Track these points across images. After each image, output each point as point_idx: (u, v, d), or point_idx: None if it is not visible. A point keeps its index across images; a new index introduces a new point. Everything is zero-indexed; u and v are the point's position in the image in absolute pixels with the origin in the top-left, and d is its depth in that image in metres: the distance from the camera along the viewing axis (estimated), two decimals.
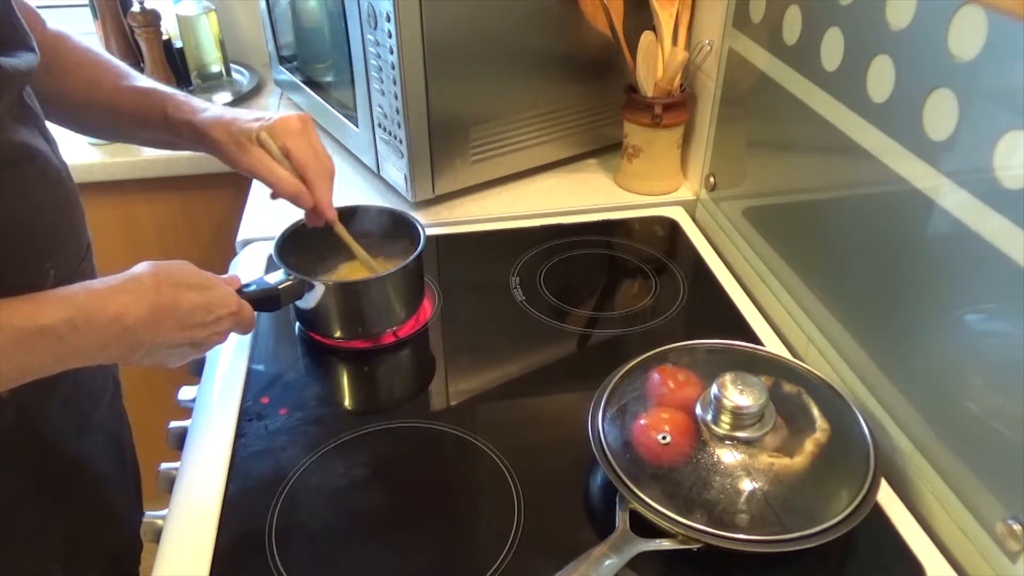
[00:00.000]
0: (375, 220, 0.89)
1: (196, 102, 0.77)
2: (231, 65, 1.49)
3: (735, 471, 0.63)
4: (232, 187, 1.27)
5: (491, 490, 0.69)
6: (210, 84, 1.44)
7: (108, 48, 1.37)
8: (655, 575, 0.61)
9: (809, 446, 0.65)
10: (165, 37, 1.38)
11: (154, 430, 0.85)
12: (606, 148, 1.21)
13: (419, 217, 0.90)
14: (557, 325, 0.89)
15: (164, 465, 0.76)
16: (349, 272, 0.89)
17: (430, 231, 1.01)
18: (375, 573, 0.63)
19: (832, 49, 0.75)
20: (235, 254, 1.02)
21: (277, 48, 1.35)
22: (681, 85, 1.08)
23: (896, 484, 0.70)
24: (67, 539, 0.73)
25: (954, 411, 0.64)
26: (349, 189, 1.14)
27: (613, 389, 0.71)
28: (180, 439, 0.77)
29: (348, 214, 0.89)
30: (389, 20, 0.94)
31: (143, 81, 0.78)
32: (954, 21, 0.60)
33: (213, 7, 1.40)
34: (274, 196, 0.78)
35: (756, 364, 0.73)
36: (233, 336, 0.74)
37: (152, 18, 1.34)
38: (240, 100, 1.42)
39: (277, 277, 0.79)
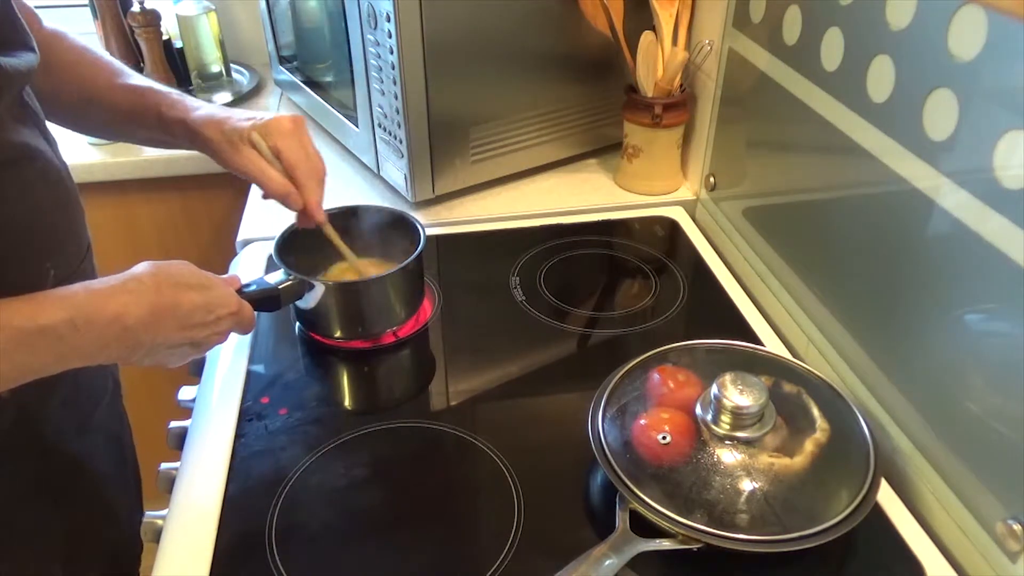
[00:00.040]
0: (375, 220, 0.89)
1: (190, 101, 0.77)
2: (231, 65, 1.48)
3: (735, 471, 0.63)
4: (232, 187, 1.27)
5: (491, 490, 0.69)
6: (210, 84, 1.44)
7: (108, 48, 1.37)
8: (655, 575, 0.61)
9: (809, 446, 0.65)
10: (165, 37, 1.38)
11: (154, 430, 0.85)
12: (606, 148, 1.21)
13: (419, 217, 0.90)
14: (557, 325, 0.89)
15: (164, 465, 0.76)
16: (344, 272, 0.89)
17: (430, 231, 1.01)
18: (375, 573, 0.63)
19: (832, 49, 0.75)
20: (235, 254, 1.02)
21: (277, 48, 1.35)
22: (681, 85, 1.08)
23: (896, 484, 0.70)
24: (67, 539, 0.73)
25: (954, 411, 0.64)
26: (349, 189, 1.14)
27: (613, 389, 0.71)
28: (180, 439, 0.77)
29: (348, 214, 0.89)
30: (389, 20, 0.94)
31: (138, 79, 0.78)
32: (954, 21, 0.60)
33: (213, 7, 1.40)
34: (265, 197, 0.78)
35: (756, 364, 0.73)
36: (233, 336, 0.74)
37: (152, 18, 1.34)
38: (240, 100, 1.42)
39: (277, 277, 0.79)
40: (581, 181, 1.17)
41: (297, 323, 0.88)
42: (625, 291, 0.98)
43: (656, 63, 1.05)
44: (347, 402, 0.82)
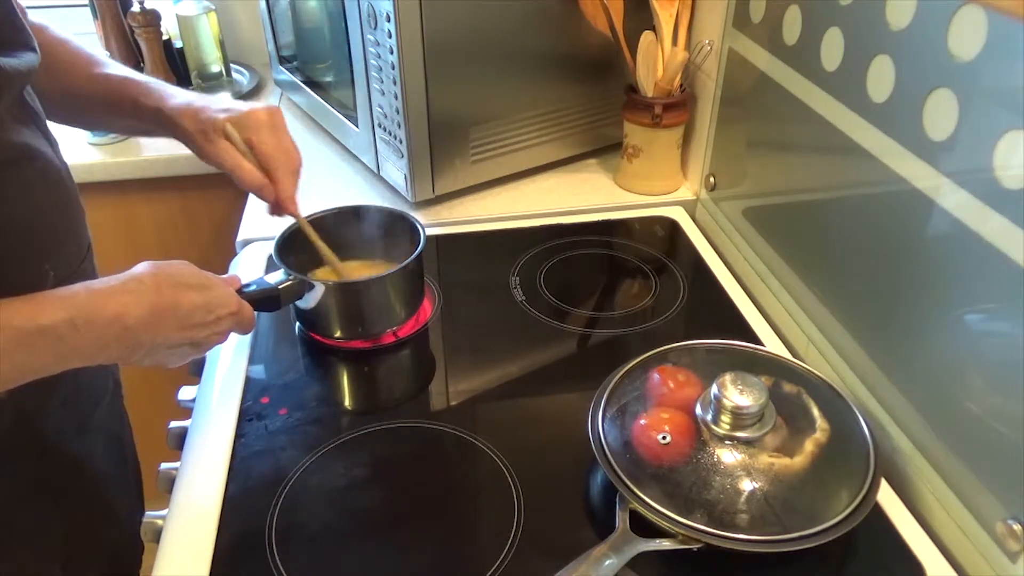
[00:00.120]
0: (375, 220, 0.89)
1: (167, 89, 0.76)
2: (231, 65, 1.48)
3: (735, 471, 0.63)
4: (232, 187, 1.25)
5: (491, 490, 0.69)
6: (210, 84, 1.44)
7: (108, 48, 1.37)
8: (655, 575, 0.61)
9: (809, 446, 0.65)
10: (165, 37, 1.38)
11: (154, 430, 0.85)
12: (606, 148, 1.21)
13: (419, 217, 0.90)
14: (557, 325, 0.89)
15: (164, 465, 0.76)
16: (343, 271, 0.89)
17: (430, 231, 1.01)
18: (375, 573, 0.63)
19: (832, 49, 0.75)
20: (235, 254, 1.02)
21: (277, 48, 1.35)
22: (681, 85, 1.08)
23: (896, 484, 0.70)
24: (67, 539, 0.73)
25: (954, 411, 0.64)
26: (349, 189, 1.14)
27: (613, 389, 0.71)
28: (180, 439, 0.77)
29: (348, 214, 0.89)
30: (389, 20, 0.94)
31: (116, 69, 0.77)
32: (954, 21, 0.60)
33: (213, 7, 1.40)
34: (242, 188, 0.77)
35: (756, 364, 0.73)
36: (233, 336, 0.74)
37: (152, 18, 1.34)
38: (240, 100, 1.42)
39: (277, 277, 0.79)
40: (581, 181, 1.17)
41: (297, 323, 0.88)
42: (625, 291, 0.98)
43: (656, 63, 1.05)
44: (347, 402, 0.82)
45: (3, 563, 0.67)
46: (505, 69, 1.05)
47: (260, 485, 0.69)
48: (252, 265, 0.97)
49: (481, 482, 0.71)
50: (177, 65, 1.41)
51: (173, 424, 0.81)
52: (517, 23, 1.02)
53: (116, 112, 0.77)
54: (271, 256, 0.84)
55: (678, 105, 1.07)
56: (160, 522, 0.69)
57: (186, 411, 0.81)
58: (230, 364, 0.83)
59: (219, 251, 1.24)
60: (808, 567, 0.63)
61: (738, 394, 0.64)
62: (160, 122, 0.75)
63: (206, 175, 1.27)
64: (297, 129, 1.32)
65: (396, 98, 0.99)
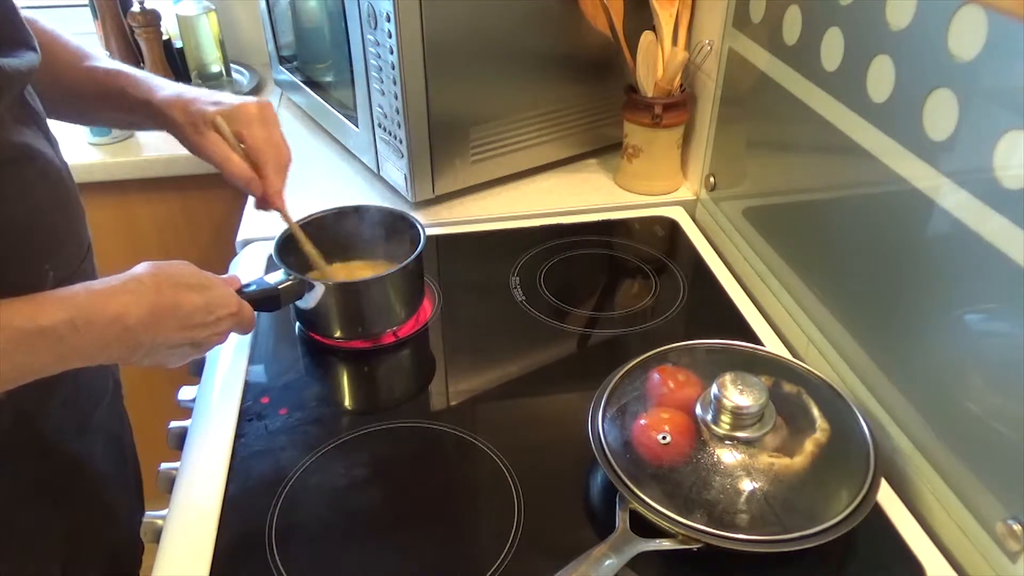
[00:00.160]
0: (375, 220, 0.89)
1: (156, 81, 0.76)
2: (231, 65, 1.48)
3: (735, 471, 0.63)
4: (232, 187, 1.27)
5: (491, 490, 0.69)
6: (210, 84, 1.44)
7: (108, 48, 1.37)
8: (655, 575, 0.61)
9: (809, 446, 0.65)
10: (165, 37, 1.38)
11: (154, 430, 0.85)
12: (606, 148, 1.21)
13: (419, 217, 0.90)
14: (557, 325, 0.89)
15: (164, 465, 0.76)
16: (343, 271, 0.88)
17: (430, 231, 1.01)
18: (375, 573, 0.63)
19: (832, 49, 0.75)
20: (235, 254, 1.02)
21: (277, 48, 1.35)
22: (681, 85, 1.08)
23: (896, 484, 0.70)
24: (67, 539, 0.73)
25: (954, 411, 0.64)
26: (349, 189, 1.14)
27: (613, 389, 0.71)
28: (180, 439, 0.77)
29: (348, 214, 0.89)
30: (389, 20, 0.94)
31: (106, 62, 0.77)
32: (954, 21, 0.60)
33: (213, 7, 1.40)
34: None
35: (756, 364, 0.73)
36: (233, 336, 0.74)
37: (152, 18, 1.34)
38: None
39: (277, 277, 0.79)
40: (581, 181, 1.17)
41: (297, 323, 0.88)
42: (625, 291, 0.98)
43: (656, 63, 1.05)
44: (347, 402, 0.82)
45: (3, 563, 0.67)
46: (505, 69, 1.05)
47: (260, 485, 0.69)
48: (252, 265, 0.97)
49: (481, 482, 0.71)
50: (177, 65, 1.41)
51: (173, 424, 0.81)
52: (517, 23, 1.02)
53: (105, 104, 0.76)
54: (271, 256, 0.84)
55: (678, 105, 1.07)
56: (160, 522, 0.69)
57: (186, 411, 0.81)
58: (230, 364, 0.82)
59: (219, 251, 1.24)
60: (808, 567, 0.63)
61: (738, 394, 0.64)
62: (150, 114, 0.75)
63: (206, 175, 1.26)
64: (297, 129, 1.32)
65: (396, 98, 0.99)
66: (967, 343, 0.62)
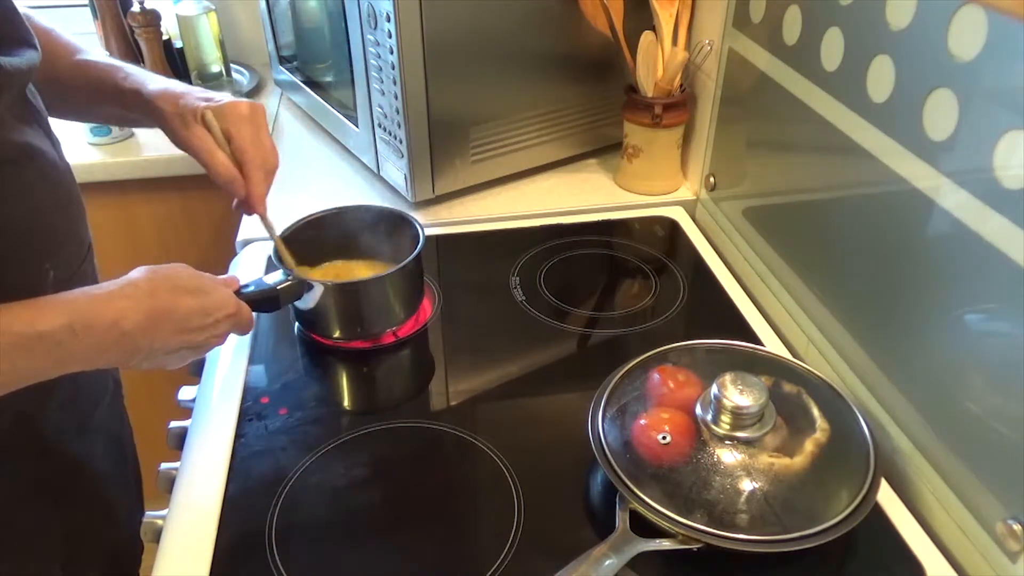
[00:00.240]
0: (374, 220, 0.89)
1: (149, 75, 0.75)
2: (231, 65, 1.48)
3: (735, 471, 0.63)
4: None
5: (491, 490, 0.69)
6: (210, 84, 1.44)
7: (108, 48, 1.37)
8: (655, 575, 0.61)
9: (809, 446, 0.65)
10: (165, 37, 1.38)
11: (154, 430, 0.85)
12: (606, 148, 1.21)
13: (419, 217, 0.90)
14: (557, 325, 0.89)
15: (164, 465, 0.76)
16: (340, 272, 0.88)
17: (430, 231, 1.01)
18: (375, 573, 0.63)
19: (832, 49, 0.75)
20: (235, 254, 1.02)
21: (277, 48, 1.35)
22: (681, 85, 1.08)
23: (896, 484, 0.70)
24: (67, 539, 0.73)
25: (954, 411, 0.64)
26: (349, 189, 1.14)
27: (613, 389, 0.71)
28: (180, 439, 0.77)
29: (347, 214, 0.89)
30: (389, 20, 0.94)
31: (97, 56, 0.77)
32: (954, 21, 0.60)
33: (213, 7, 1.40)
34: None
35: (756, 364, 0.73)
36: (233, 336, 0.74)
37: (152, 18, 1.34)
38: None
39: (276, 278, 0.78)
40: (581, 181, 1.17)
41: (296, 323, 0.88)
42: (625, 291, 0.98)
43: (656, 63, 1.05)
44: (347, 402, 0.82)
45: (3, 563, 0.67)
46: (505, 69, 1.05)
47: (260, 485, 0.69)
48: (252, 265, 0.97)
49: (481, 482, 0.71)
50: (177, 65, 1.41)
51: (173, 424, 0.81)
52: (517, 23, 1.02)
53: (98, 98, 0.76)
54: (271, 256, 0.84)
55: (678, 105, 1.07)
56: (160, 522, 0.69)
57: (186, 411, 0.81)
58: (230, 364, 0.82)
59: (219, 251, 1.24)
60: (808, 567, 0.63)
61: (738, 394, 0.64)
62: (139, 105, 0.74)
63: (206, 175, 1.27)
64: (297, 129, 1.32)
65: (396, 98, 0.99)
66: (967, 343, 0.62)
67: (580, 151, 1.20)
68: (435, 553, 0.64)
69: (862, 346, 0.76)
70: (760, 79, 0.90)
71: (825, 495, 0.63)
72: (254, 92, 1.45)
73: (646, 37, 1.03)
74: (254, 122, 0.74)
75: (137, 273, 0.62)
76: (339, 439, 0.74)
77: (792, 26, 0.82)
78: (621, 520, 0.62)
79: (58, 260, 0.65)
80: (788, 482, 0.63)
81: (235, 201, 0.76)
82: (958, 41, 0.60)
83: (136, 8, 1.32)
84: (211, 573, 0.62)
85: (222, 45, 1.44)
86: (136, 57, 1.38)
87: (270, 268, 0.93)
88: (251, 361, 0.83)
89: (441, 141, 1.04)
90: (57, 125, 0.70)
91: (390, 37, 0.95)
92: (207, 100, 0.73)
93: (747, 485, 0.62)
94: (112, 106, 0.77)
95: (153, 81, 0.74)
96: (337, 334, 0.84)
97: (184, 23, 1.39)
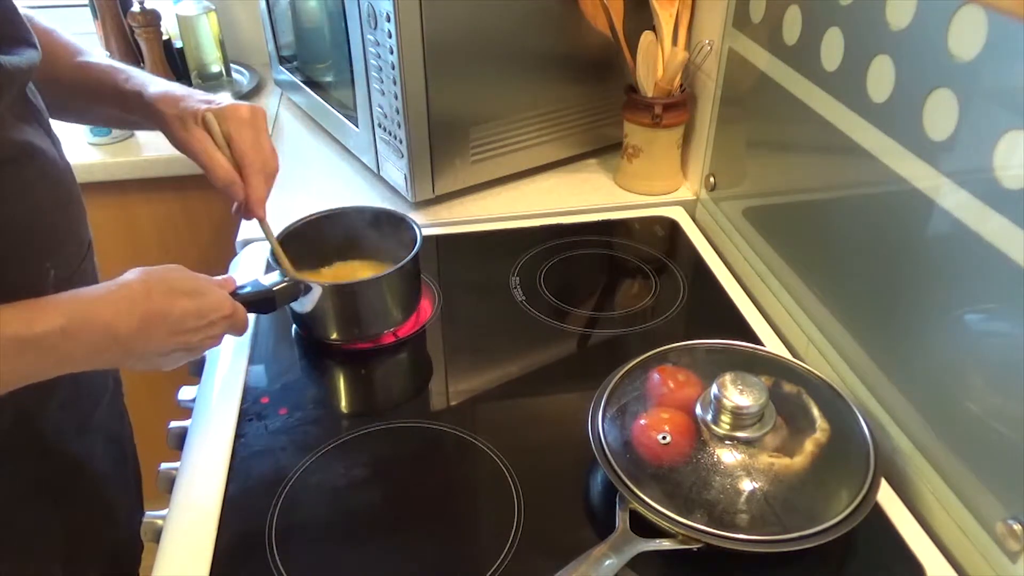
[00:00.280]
0: (373, 221, 0.89)
1: (150, 77, 0.75)
2: (231, 65, 1.48)
3: (735, 471, 0.63)
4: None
5: (491, 490, 0.69)
6: (210, 84, 1.44)
7: (108, 48, 1.37)
8: (655, 575, 0.61)
9: (809, 446, 0.65)
10: (165, 37, 1.38)
11: (154, 430, 0.85)
12: (606, 148, 1.21)
13: (419, 217, 0.90)
14: (557, 325, 0.89)
15: (164, 465, 0.76)
16: (343, 273, 0.88)
17: (430, 231, 1.01)
18: (375, 573, 0.63)
19: (832, 49, 0.75)
20: (235, 254, 1.02)
21: (277, 48, 1.35)
22: (681, 85, 1.08)
23: (896, 484, 0.70)
24: (67, 539, 0.73)
25: (954, 411, 0.64)
26: (349, 189, 1.14)
27: (613, 389, 0.71)
28: (180, 439, 0.77)
29: (346, 215, 0.89)
30: (389, 20, 0.94)
31: (98, 58, 0.77)
32: (954, 21, 0.60)
33: (213, 7, 1.40)
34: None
35: (756, 364, 0.73)
36: (232, 337, 0.74)
37: (152, 18, 1.34)
38: (240, 100, 1.42)
39: (272, 279, 0.78)
40: (581, 181, 1.17)
41: (295, 324, 0.88)
42: (625, 291, 0.98)
43: (656, 63, 1.05)
44: (347, 402, 0.82)
45: (3, 563, 0.67)
46: (505, 69, 1.05)
47: (260, 485, 0.69)
48: (252, 265, 0.97)
49: (481, 482, 0.71)
50: (177, 65, 1.41)
51: (173, 424, 0.81)
52: (517, 23, 1.02)
53: (98, 100, 0.76)
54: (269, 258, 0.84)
55: (678, 105, 1.07)
56: (160, 522, 0.69)
57: (186, 411, 0.81)
58: (230, 364, 0.82)
59: (219, 251, 1.24)
60: (808, 567, 0.63)
61: (738, 394, 0.64)
62: (140, 108, 0.74)
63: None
64: (297, 129, 1.32)
65: (396, 98, 0.99)
66: (967, 343, 0.62)
67: (580, 151, 1.20)
68: (435, 553, 0.64)
69: (862, 346, 0.76)
70: (760, 79, 0.90)
71: (825, 495, 0.63)
72: (254, 92, 1.45)
73: (646, 37, 1.03)
74: (254, 125, 0.73)
75: (132, 275, 0.62)
76: (339, 439, 0.74)
77: (792, 26, 0.82)
78: (621, 520, 0.62)
79: (59, 259, 0.65)
80: (788, 482, 0.63)
81: (234, 206, 0.76)
82: (958, 41, 0.60)
83: (136, 8, 1.32)
84: (211, 573, 0.62)
85: (222, 45, 1.44)
86: (136, 57, 1.38)
87: (270, 269, 0.93)
88: (251, 361, 0.83)
89: (441, 141, 1.04)
90: (57, 125, 0.70)
91: (390, 37, 0.95)
92: (208, 103, 0.73)
93: (747, 485, 0.62)
94: (112, 108, 0.76)
95: (154, 84, 0.74)
96: (334, 336, 0.84)
97: (184, 23, 1.39)
